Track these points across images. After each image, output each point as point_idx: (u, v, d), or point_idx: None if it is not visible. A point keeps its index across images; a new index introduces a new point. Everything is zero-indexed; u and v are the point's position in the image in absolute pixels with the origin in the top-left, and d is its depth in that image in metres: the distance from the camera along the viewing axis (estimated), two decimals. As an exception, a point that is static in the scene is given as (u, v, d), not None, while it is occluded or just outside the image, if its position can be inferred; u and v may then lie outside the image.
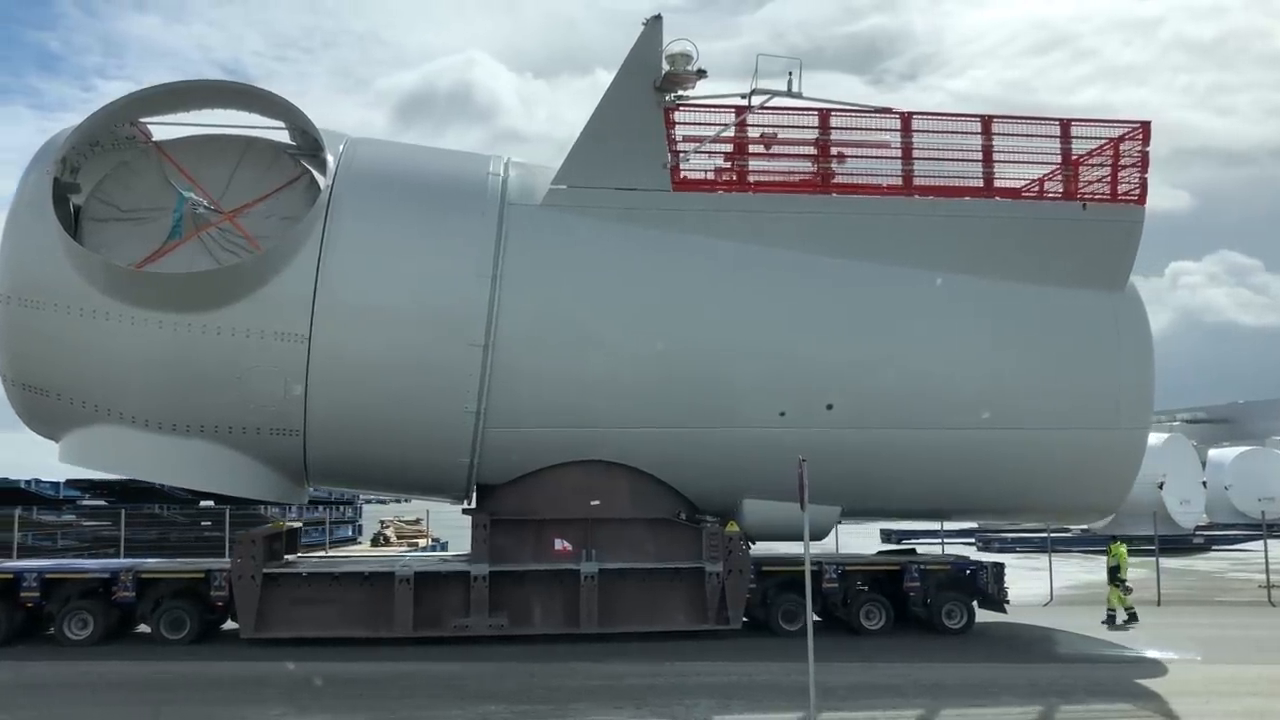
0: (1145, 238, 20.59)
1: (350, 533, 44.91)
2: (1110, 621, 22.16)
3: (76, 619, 18.73)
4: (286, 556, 20.96)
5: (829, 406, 19.16)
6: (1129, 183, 20.66)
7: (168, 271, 17.82)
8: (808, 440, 19.03)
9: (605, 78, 19.08)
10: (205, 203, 18.58)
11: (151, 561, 20.95)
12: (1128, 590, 22.81)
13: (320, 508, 39.31)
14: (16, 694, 15.11)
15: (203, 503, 33.25)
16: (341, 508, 43.09)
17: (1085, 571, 32.67)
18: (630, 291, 19.05)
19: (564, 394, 18.75)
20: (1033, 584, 26.50)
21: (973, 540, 44.88)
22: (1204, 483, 46.05)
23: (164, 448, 18.47)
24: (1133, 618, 22.23)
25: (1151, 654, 18.66)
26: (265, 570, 18.51)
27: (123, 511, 32.39)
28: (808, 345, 19.24)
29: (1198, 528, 45.85)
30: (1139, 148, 20.61)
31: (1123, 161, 20.81)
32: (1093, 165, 21.13)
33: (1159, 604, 25.13)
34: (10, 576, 18.79)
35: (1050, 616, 22.93)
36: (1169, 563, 32.30)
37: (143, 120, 19.65)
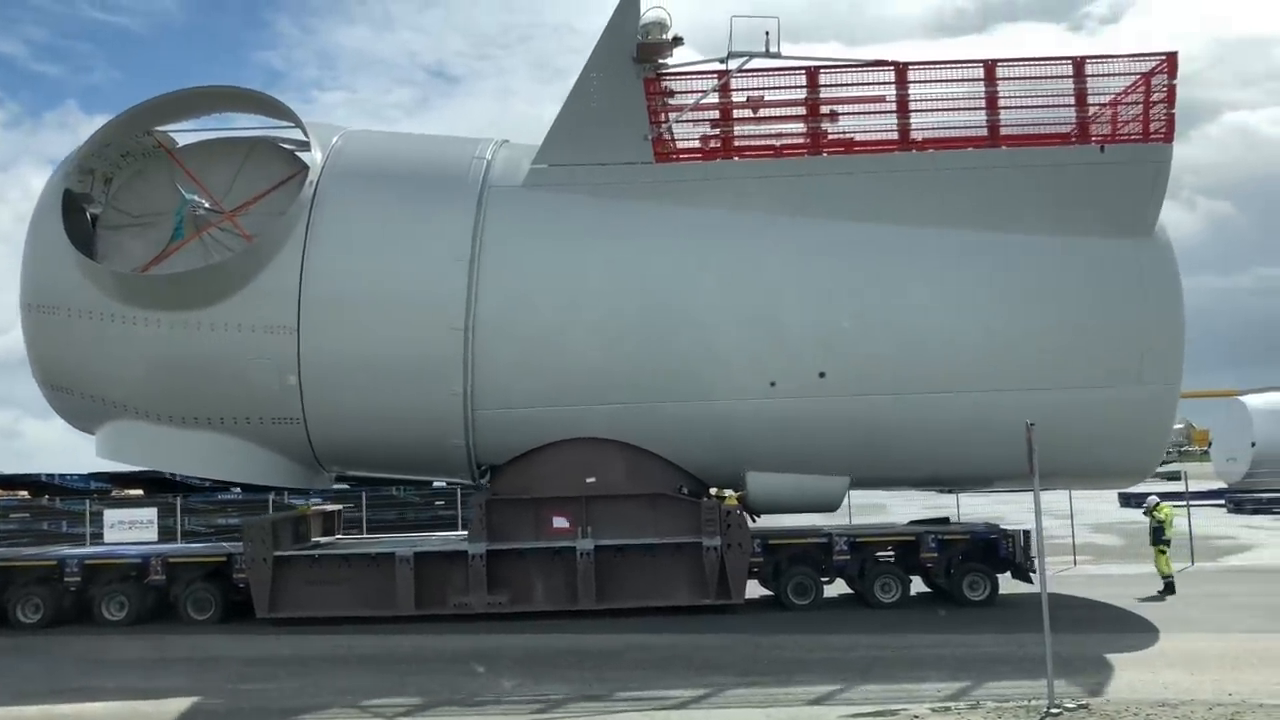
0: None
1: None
2: (1169, 591, 20.69)
3: (114, 601, 20.02)
4: (316, 539, 21.83)
5: (821, 374, 18.58)
6: (1157, 119, 19.21)
7: (161, 274, 18.73)
8: (800, 410, 18.72)
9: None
10: (206, 204, 19.40)
11: (178, 547, 22.15)
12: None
13: None
14: (279, 666, 16.08)
15: (435, 484, 34.24)
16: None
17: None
18: (612, 266, 18.88)
19: (548, 373, 18.78)
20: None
21: (1222, 501, 42.36)
22: None
23: (182, 440, 19.46)
24: (1169, 589, 20.78)
25: None
26: (276, 554, 19.33)
27: (363, 494, 33.85)
28: (797, 313, 18.67)
29: None
30: (1166, 82, 19.12)
31: (1153, 97, 19.37)
32: (1128, 104, 19.75)
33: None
34: (54, 563, 20.25)
35: None
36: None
37: (163, 129, 20.62)
